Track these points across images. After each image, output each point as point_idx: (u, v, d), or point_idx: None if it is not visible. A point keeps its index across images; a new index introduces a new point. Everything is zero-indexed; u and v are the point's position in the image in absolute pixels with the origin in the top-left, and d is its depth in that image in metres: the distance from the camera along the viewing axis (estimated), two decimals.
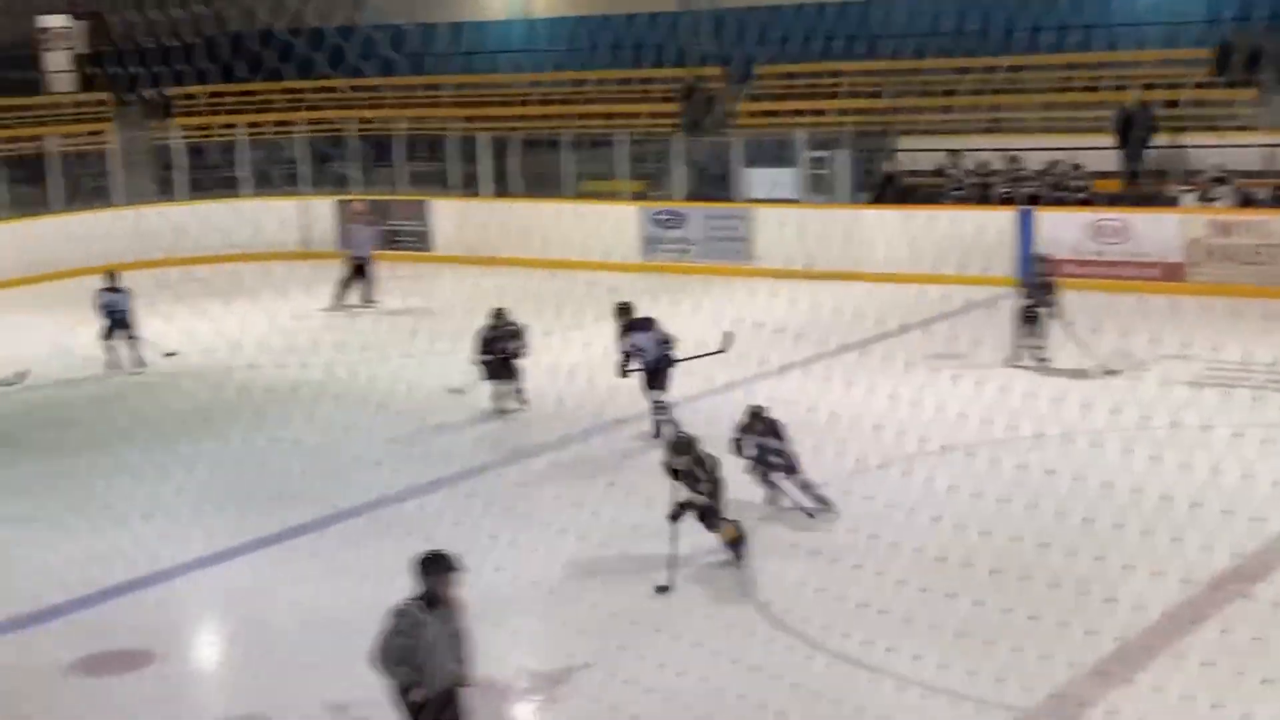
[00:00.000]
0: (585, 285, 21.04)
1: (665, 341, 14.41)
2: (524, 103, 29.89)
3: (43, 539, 12.13)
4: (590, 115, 28.48)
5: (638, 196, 26.28)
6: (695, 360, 14.46)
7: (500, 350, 15.52)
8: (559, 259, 24.35)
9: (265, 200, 28.50)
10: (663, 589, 10.53)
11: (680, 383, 14.44)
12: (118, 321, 18.48)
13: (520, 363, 15.62)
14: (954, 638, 9.29)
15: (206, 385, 17.26)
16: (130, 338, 18.46)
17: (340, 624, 10.06)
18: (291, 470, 13.64)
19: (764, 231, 24.13)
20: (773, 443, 11.85)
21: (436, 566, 7.49)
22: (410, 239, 27.64)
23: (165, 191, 29.53)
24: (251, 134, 29.50)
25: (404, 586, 10.38)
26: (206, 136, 30.55)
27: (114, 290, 18.62)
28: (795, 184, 24.61)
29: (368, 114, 29.48)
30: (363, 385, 16.90)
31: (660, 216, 25.32)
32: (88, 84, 32.16)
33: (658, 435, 13.91)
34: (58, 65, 34.39)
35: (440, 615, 7.45)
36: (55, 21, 34.54)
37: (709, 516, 10.87)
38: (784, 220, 23.99)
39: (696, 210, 25.11)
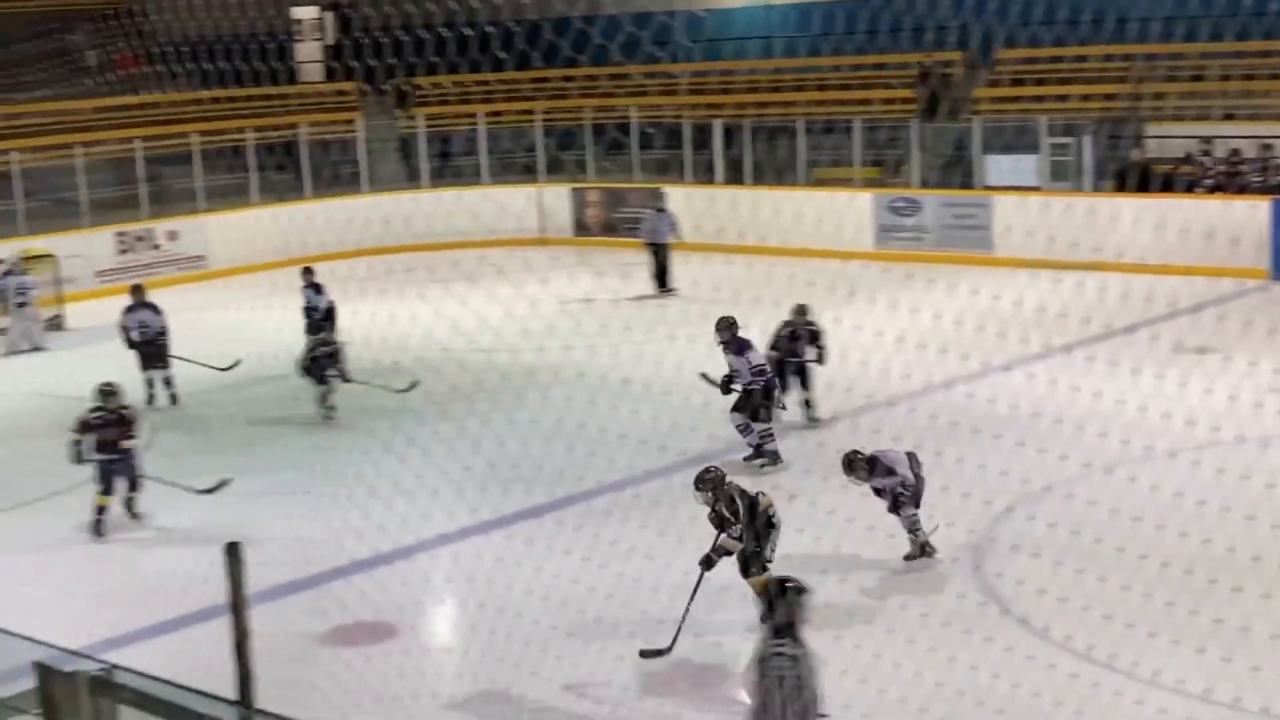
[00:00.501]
0: (818, 273, 20.97)
1: (760, 373, 13.61)
2: (759, 89, 29.87)
3: (298, 512, 12.63)
4: (825, 101, 28.32)
5: (873, 183, 26.07)
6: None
7: (793, 353, 14.39)
8: (792, 246, 24.32)
9: (504, 188, 29.13)
10: (652, 653, 9.56)
11: (893, 380, 14.21)
12: (321, 317, 18.57)
13: (814, 369, 14.52)
14: (1173, 644, 9.00)
15: (451, 366, 17.73)
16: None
17: (579, 605, 10.25)
18: (532, 451, 13.93)
19: (1003, 219, 23.70)
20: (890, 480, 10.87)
21: (793, 593, 6.93)
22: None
23: (409, 179, 30.44)
24: (491, 123, 30.17)
25: (641, 568, 10.60)
26: (448, 125, 31.34)
27: (314, 288, 18.91)
28: (1036, 171, 24.12)
29: (604, 102, 29.84)
30: (604, 368, 17.13)
31: (896, 204, 25.07)
32: (336, 74, 33.25)
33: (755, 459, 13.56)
34: (308, 56, 35.60)
35: (800, 644, 6.85)
36: (306, 13, 35.77)
37: (745, 563, 9.96)
38: (1024, 208, 23.52)
39: (933, 197, 24.79)
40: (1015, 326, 14.79)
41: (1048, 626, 9.53)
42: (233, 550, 4.84)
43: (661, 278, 22.77)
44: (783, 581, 7.00)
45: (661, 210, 23.58)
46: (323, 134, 30.36)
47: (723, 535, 9.86)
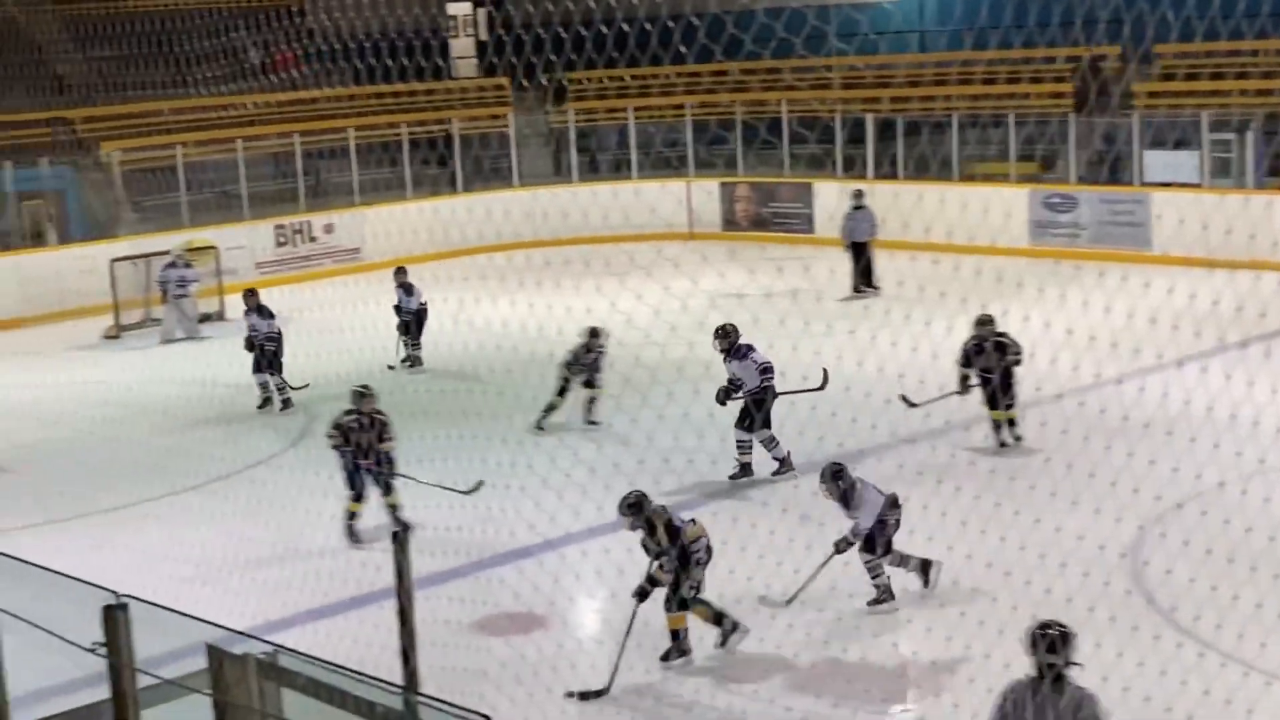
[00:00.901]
0: (971, 269, 20.71)
1: (767, 371, 13.58)
2: (912, 84, 29.60)
3: (446, 503, 12.82)
4: (978, 95, 27.96)
5: (1027, 179, 25.69)
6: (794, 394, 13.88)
7: (986, 368, 13.84)
8: (944, 243, 24.06)
9: (654, 182, 29.23)
10: (585, 695, 9.29)
11: (1061, 374, 13.98)
12: (412, 319, 19.20)
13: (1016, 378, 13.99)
14: None
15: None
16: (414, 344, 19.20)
17: (724, 603, 10.27)
18: (684, 445, 13.96)
19: (1163, 217, 23.20)
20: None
21: (1053, 640, 6.46)
22: (793, 221, 27.83)
23: (559, 173, 30.71)
24: (641, 117, 30.29)
25: (787, 567, 10.59)
26: (599, 120, 31.54)
27: (406, 288, 19.28)
28: (1197, 168, 23.56)
29: (756, 97, 29.80)
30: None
31: (1051, 200, 24.68)
32: (489, 69, 33.65)
33: (740, 475, 13.54)
34: (462, 51, 36.06)
35: (1051, 696, 6.39)
36: (461, 9, 36.23)
37: (669, 595, 9.73)
38: (1184, 205, 23.00)
39: (1090, 194, 24.35)
40: (1187, 322, 14.44)
41: (1219, 625, 9.32)
42: (399, 539, 4.95)
43: (866, 276, 22.27)
44: (1044, 626, 6.53)
45: (860, 208, 23.04)
46: (475, 129, 30.76)
47: (654, 565, 9.71)
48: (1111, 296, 16.72)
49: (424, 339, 19.30)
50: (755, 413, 13.56)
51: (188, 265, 22.92)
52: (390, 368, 18.68)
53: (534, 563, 11.58)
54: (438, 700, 4.51)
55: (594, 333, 15.90)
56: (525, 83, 31.73)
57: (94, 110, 28.89)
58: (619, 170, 30.51)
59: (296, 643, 8.30)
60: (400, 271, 19.60)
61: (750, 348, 13.82)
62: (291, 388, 17.40)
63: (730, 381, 13.77)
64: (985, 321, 14.05)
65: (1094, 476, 11.47)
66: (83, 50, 29.93)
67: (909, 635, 10.13)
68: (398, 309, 19.26)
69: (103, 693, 5.27)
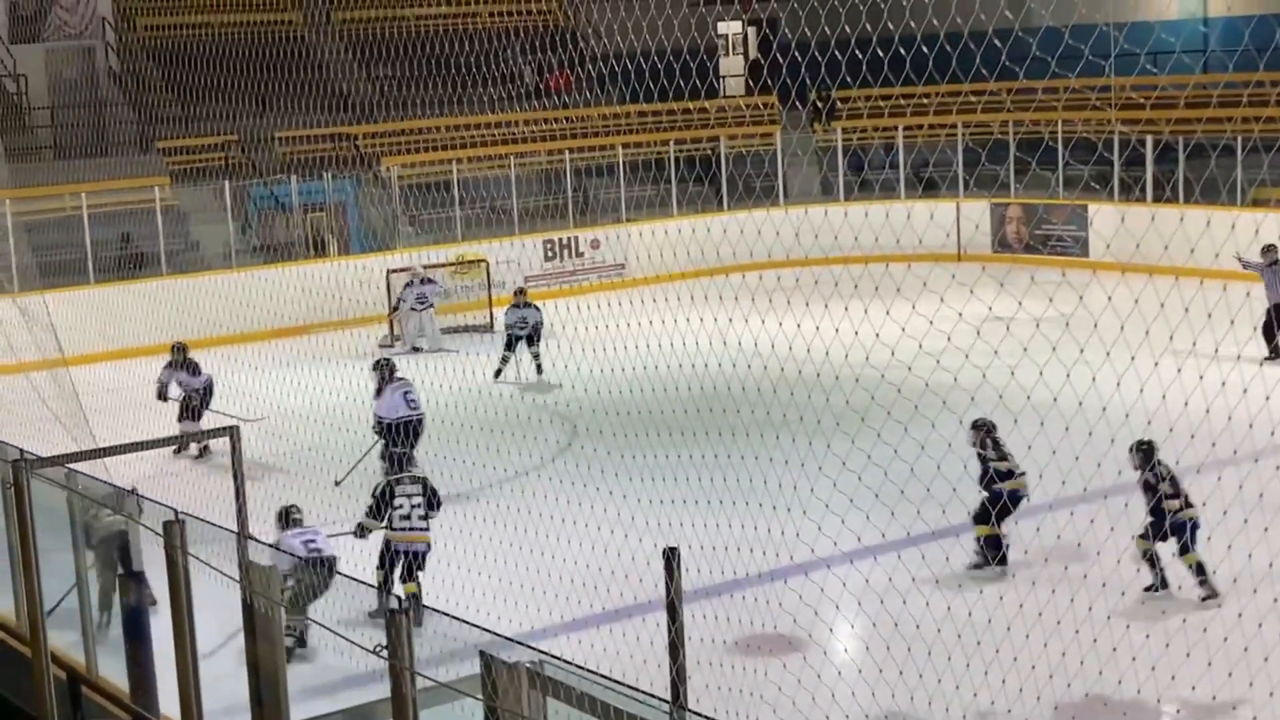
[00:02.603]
0: (1249, 300, 19.91)
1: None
2: (1196, 105, 28.62)
3: (703, 521, 12.93)
4: (1265, 118, 26.89)
5: None
6: None
7: None
8: (1224, 269, 23.17)
9: (922, 202, 28.93)
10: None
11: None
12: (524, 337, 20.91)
13: None
14: None
15: (857, 383, 17.74)
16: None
17: (976, 629, 10.13)
18: (938, 473, 13.79)
19: None
20: None
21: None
22: (1068, 243, 27.21)
23: (827, 192, 30.65)
24: (909, 136, 30.03)
25: (1045, 596, 10.38)
26: (868, 138, 31.38)
27: (526, 306, 20.81)
28: None
29: (1026, 116, 29.24)
30: (1014, 392, 16.79)
31: None
32: (759, 88, 33.85)
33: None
34: (730, 70, 36.34)
35: None
36: (730, 28, 36.54)
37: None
38: None
39: None
40: None
41: None
42: (671, 556, 5.04)
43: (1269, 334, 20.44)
44: None
45: (1276, 263, 20.73)
46: (743, 147, 30.95)
47: None
48: None
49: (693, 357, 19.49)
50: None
51: (425, 281, 23.74)
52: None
53: (792, 583, 11.58)
54: (705, 717, 4.57)
55: (519, 292, 19.34)
56: (795, 101, 31.80)
57: (375, 127, 30.05)
58: (887, 189, 30.30)
59: (559, 653, 8.51)
60: (521, 292, 21.30)
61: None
62: (238, 417, 16.26)
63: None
64: None
65: None
66: (366, 69, 31.18)
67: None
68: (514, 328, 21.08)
69: (379, 692, 5.51)
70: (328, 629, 7.81)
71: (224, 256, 26.83)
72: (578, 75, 31.66)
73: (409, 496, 12.50)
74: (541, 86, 32.34)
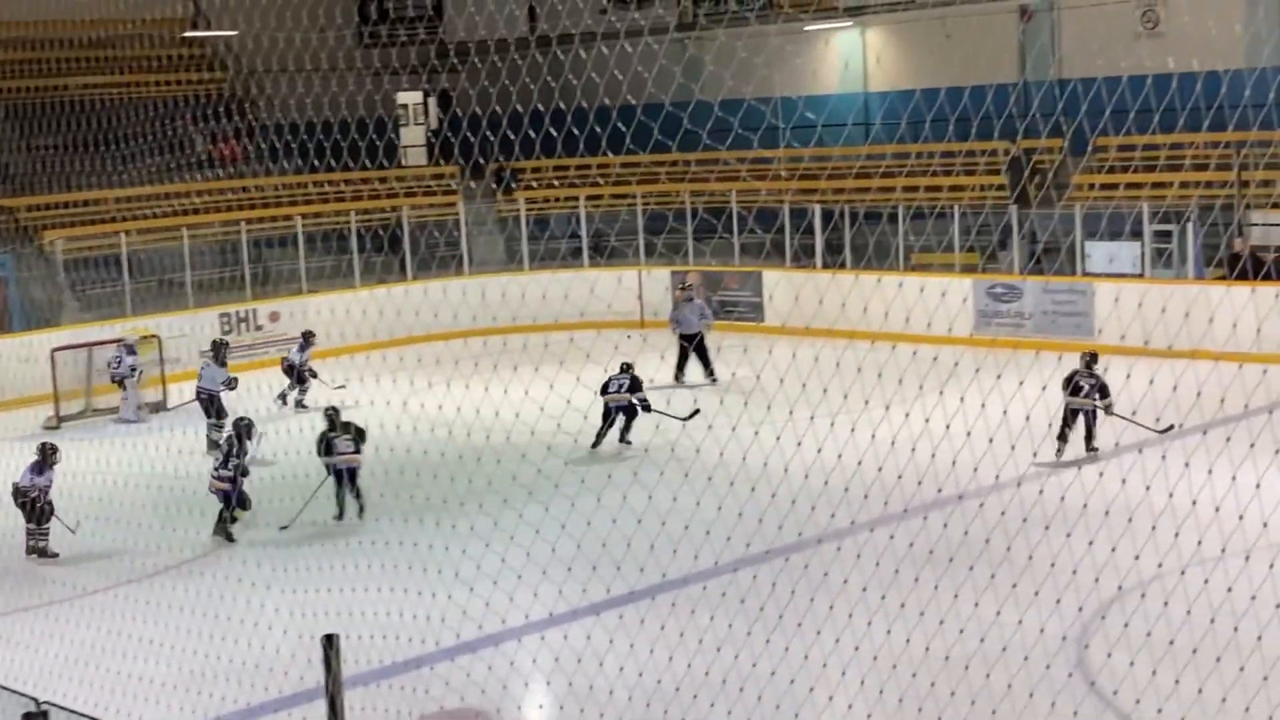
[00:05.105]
0: (914, 358, 20.77)
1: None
2: (858, 174, 29.90)
3: (388, 597, 12.65)
4: (923, 186, 28.27)
5: (972, 269, 25.92)
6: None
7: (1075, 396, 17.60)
8: (890, 331, 24.16)
9: (603, 270, 29.29)
10: None
11: (989, 469, 13.98)
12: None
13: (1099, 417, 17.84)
14: None
15: (540, 451, 17.75)
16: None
17: (669, 695, 10.16)
18: (622, 537, 13.86)
19: (1104, 306, 23.43)
20: None
21: None
22: (744, 309, 27.93)
23: (510, 261, 30.73)
24: (590, 206, 30.43)
25: (729, 659, 10.50)
26: (550, 208, 31.66)
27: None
28: (1138, 258, 23.85)
29: (703, 186, 30.02)
30: (693, 454, 17.07)
31: (995, 289, 24.90)
32: (439, 158, 33.80)
33: None
34: (411, 140, 36.19)
35: None
36: (411, 98, 36.40)
37: None
38: (1126, 295, 23.24)
39: (1033, 284, 24.59)
40: (1148, 409, 14.54)
41: (1160, 710, 9.26)
42: (330, 642, 4.85)
43: (680, 365, 23.33)
44: None
45: (691, 300, 23.93)
46: (425, 217, 30.80)
47: None
48: (1039, 391, 16.85)
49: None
50: None
51: (131, 350, 22.91)
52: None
53: (478, 656, 11.43)
54: None
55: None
56: (476, 171, 31.87)
57: (36, 199, 28.75)
58: (569, 258, 30.57)
59: None
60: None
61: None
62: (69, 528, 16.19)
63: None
64: (1088, 360, 18.00)
65: (1050, 565, 11.45)
66: (25, 139, 29.79)
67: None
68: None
69: None
70: None
71: None
72: (256, 144, 31.03)
73: None
74: (214, 155, 31.54)
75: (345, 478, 16.66)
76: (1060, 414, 17.57)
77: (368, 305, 27.38)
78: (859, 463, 14.43)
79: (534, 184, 32.29)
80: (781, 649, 10.56)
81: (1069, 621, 11.27)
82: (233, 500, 15.98)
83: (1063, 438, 17.68)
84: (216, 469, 16.18)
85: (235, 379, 21.20)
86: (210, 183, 29.88)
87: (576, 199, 30.59)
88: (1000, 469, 13.97)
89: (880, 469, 14.06)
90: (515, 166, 32.16)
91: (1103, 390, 17.66)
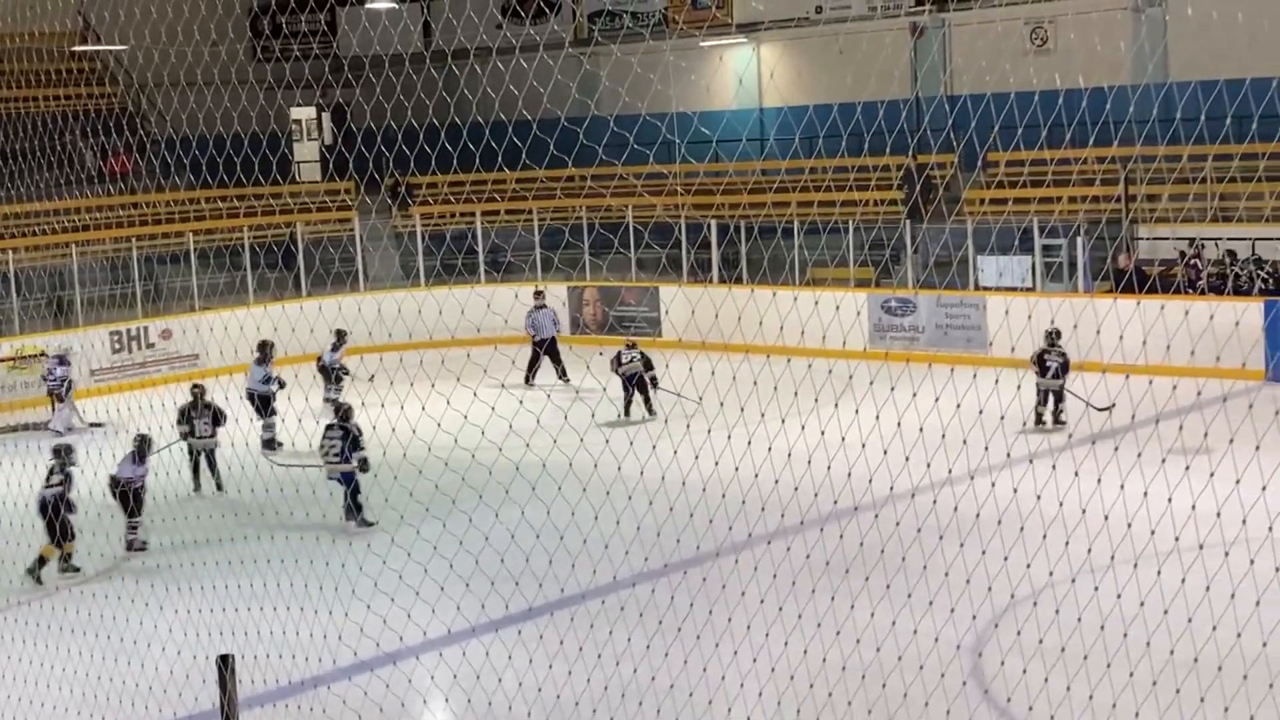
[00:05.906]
0: (809, 371, 20.96)
1: None
2: (753, 189, 30.11)
3: (284, 615, 12.51)
4: (817, 201, 28.52)
5: (866, 283, 26.19)
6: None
7: (1042, 373, 20.26)
8: (786, 345, 24.36)
9: (499, 286, 29.22)
10: None
11: (885, 480, 14.17)
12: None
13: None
14: None
15: (436, 467, 17.66)
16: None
17: (569, 710, 10.15)
18: (520, 553, 13.82)
19: (996, 319, 23.78)
20: None
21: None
22: (640, 324, 27.99)
23: (406, 277, 30.57)
24: (486, 221, 30.35)
25: (629, 673, 10.51)
26: (446, 224, 31.53)
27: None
28: (1029, 271, 24.24)
29: (599, 201, 30.06)
30: (590, 469, 17.06)
31: (889, 303, 25.18)
32: (334, 173, 33.58)
33: None
34: (305, 155, 35.92)
35: None
36: (304, 114, 36.13)
37: None
38: (1017, 308, 23.60)
39: (927, 297, 24.90)
40: (1009, 428, 14.78)
41: (1053, 716, 9.42)
42: (225, 663, 4.80)
43: (532, 368, 24.73)
44: None
45: (542, 307, 25.36)
46: (320, 232, 30.55)
47: None
48: (960, 395, 17.10)
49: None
50: None
51: (64, 362, 22.82)
52: None
53: (375, 675, 11.32)
54: None
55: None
56: (371, 187, 31.70)
57: None
58: (465, 274, 30.46)
59: None
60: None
61: None
62: None
63: None
64: (1050, 338, 20.00)
65: (944, 574, 11.60)
66: None
67: None
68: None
69: None
70: None
71: None
72: (147, 159, 30.61)
73: None
74: (105, 170, 31.08)
75: (202, 456, 18.55)
76: (1035, 394, 19.88)
77: (262, 322, 27.04)
78: (756, 475, 14.58)
79: (430, 199, 32.17)
80: (680, 662, 10.57)
81: (963, 630, 11.42)
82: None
83: (1040, 418, 19.63)
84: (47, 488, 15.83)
85: (280, 379, 21.67)
86: (101, 199, 29.42)
87: (473, 214, 30.50)
88: (895, 480, 14.12)
89: (777, 481, 14.21)
90: (411, 182, 32.02)
91: (1065, 365, 19.79)
